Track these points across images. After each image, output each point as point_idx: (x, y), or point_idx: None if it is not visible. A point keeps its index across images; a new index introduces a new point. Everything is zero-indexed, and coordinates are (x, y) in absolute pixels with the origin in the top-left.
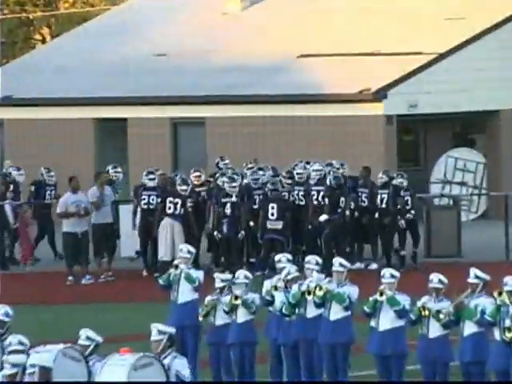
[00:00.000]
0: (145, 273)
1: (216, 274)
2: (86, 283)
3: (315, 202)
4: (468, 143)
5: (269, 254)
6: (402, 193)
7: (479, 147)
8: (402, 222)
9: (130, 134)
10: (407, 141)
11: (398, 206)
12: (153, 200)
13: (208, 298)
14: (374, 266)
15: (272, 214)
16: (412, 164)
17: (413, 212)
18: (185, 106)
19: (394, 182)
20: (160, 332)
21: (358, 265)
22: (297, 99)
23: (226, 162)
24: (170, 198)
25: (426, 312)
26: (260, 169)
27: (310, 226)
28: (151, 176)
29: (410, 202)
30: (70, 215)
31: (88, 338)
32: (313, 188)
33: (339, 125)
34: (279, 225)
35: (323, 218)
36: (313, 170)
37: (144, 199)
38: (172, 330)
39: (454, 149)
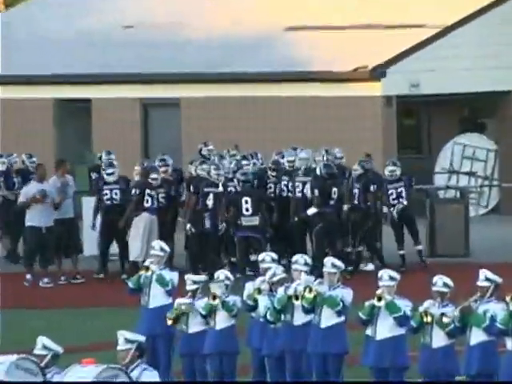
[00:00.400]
0: (101, 275)
1: (187, 276)
2: (44, 286)
3: (299, 195)
4: (477, 128)
5: (245, 255)
6: (375, 186)
7: (490, 132)
8: (394, 213)
9: (95, 116)
10: (408, 125)
11: (369, 203)
12: (116, 194)
13: (179, 301)
14: (370, 266)
15: (246, 210)
16: (414, 152)
17: (404, 203)
18: (157, 86)
19: (386, 171)
20: (127, 341)
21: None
22: (283, 78)
23: (210, 147)
24: (148, 191)
25: (429, 318)
26: (244, 157)
27: (295, 220)
28: (110, 170)
29: (403, 194)
30: (33, 202)
31: (45, 348)
32: (297, 179)
33: (331, 107)
34: (255, 221)
35: (311, 211)
36: (299, 159)
37: (106, 194)
38: (141, 338)
39: (461, 134)
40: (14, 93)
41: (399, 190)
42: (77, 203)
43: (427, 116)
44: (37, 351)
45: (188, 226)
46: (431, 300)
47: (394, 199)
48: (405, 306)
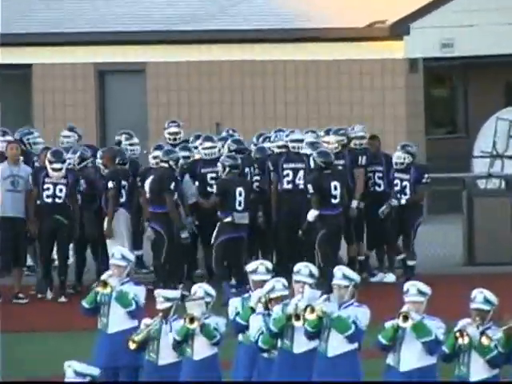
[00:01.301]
0: (49, 295)
1: (157, 291)
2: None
3: (289, 186)
4: None
5: (223, 261)
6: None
7: None
8: (383, 209)
9: (36, 86)
10: (439, 96)
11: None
12: (61, 191)
13: (145, 322)
14: (390, 277)
15: (239, 203)
16: (446, 130)
17: (402, 199)
18: (115, 48)
19: (395, 158)
20: (78, 374)
21: (379, 277)
22: (278, 37)
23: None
24: (123, 181)
25: (466, 340)
26: (222, 139)
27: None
28: (56, 164)
29: (408, 188)
30: None
31: (77, 373)
32: (285, 166)
33: (340, 74)
34: (246, 218)
35: (312, 215)
36: (290, 141)
37: (47, 189)
38: (95, 371)
39: (507, 107)
40: None
41: (404, 184)
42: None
43: (463, 85)
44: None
45: (189, 219)
46: (468, 319)
47: (396, 192)
48: (437, 327)
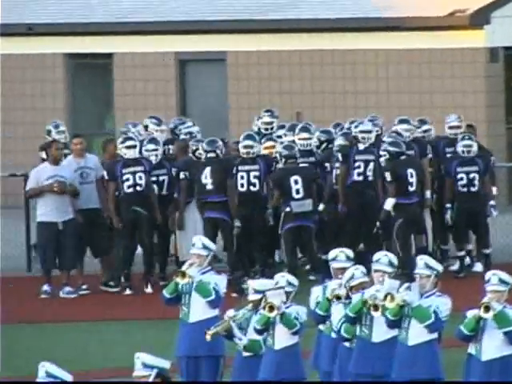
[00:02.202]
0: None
1: (249, 281)
2: (65, 297)
3: (359, 178)
4: None
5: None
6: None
7: None
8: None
9: (117, 75)
10: None
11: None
12: (140, 179)
13: (229, 313)
14: (478, 266)
15: (297, 192)
16: None
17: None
18: (195, 36)
19: (459, 146)
20: (146, 366)
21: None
22: (359, 26)
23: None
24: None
25: None
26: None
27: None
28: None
29: (476, 181)
30: (47, 190)
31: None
32: (356, 158)
33: (420, 63)
34: (307, 206)
35: (390, 203)
36: (299, 139)
37: (127, 180)
38: (165, 364)
39: None
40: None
41: (472, 175)
42: None
43: None
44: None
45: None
46: None
47: (463, 186)
48: None
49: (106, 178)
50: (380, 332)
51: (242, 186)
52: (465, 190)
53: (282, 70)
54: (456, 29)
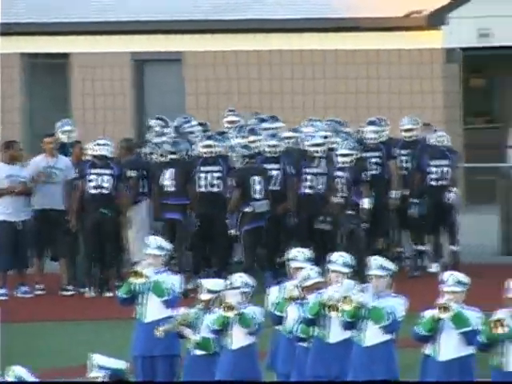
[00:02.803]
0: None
1: (202, 281)
2: (22, 296)
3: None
4: None
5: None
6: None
7: None
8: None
9: (75, 75)
10: (477, 86)
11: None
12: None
13: (180, 312)
14: (434, 267)
15: (257, 192)
16: (484, 120)
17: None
18: (153, 37)
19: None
20: (100, 367)
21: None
22: (313, 26)
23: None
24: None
25: (505, 329)
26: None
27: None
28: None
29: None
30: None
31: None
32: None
33: (376, 64)
34: (265, 206)
35: (367, 202)
36: (309, 145)
37: (92, 180)
38: (119, 365)
39: None
40: None
41: (444, 168)
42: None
43: (501, 74)
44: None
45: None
46: (505, 309)
47: (434, 180)
48: (476, 317)
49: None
50: (336, 333)
51: (203, 186)
52: (434, 183)
53: (239, 70)
54: (413, 29)
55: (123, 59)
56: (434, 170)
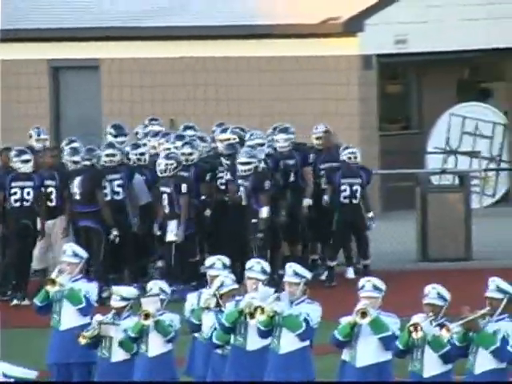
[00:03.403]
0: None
1: (114, 288)
2: None
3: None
4: (481, 95)
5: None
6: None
7: (497, 101)
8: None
9: None
10: (393, 92)
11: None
12: (28, 194)
13: (97, 318)
14: (349, 272)
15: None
16: (400, 126)
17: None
18: (70, 44)
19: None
20: (6, 376)
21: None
22: (231, 33)
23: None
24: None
25: (419, 334)
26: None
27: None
28: (24, 157)
29: (358, 193)
30: None
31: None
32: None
33: (293, 71)
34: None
35: (265, 211)
36: (182, 154)
37: (15, 193)
38: (28, 374)
39: (460, 103)
40: None
41: (355, 187)
42: None
43: (417, 80)
44: None
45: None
46: (422, 314)
47: (345, 197)
48: (393, 323)
49: None
50: (255, 340)
51: (108, 194)
52: (347, 201)
53: (155, 77)
54: (329, 36)
55: (40, 66)
56: (344, 188)
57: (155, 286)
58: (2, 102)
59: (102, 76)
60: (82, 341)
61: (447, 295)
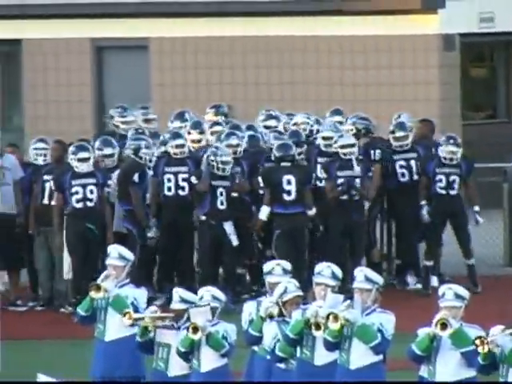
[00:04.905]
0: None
1: (176, 289)
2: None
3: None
4: None
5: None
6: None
7: None
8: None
9: (27, 64)
10: (478, 76)
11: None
12: (91, 193)
13: (151, 309)
14: (433, 281)
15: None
16: (485, 115)
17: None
18: (115, 21)
19: (442, 152)
20: None
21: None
22: (296, 10)
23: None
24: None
25: (485, 348)
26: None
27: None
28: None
29: (456, 184)
30: None
31: None
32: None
33: (366, 51)
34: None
35: (264, 212)
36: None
37: (76, 193)
38: None
39: None
40: None
41: (452, 177)
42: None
43: (505, 63)
44: None
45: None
46: (501, 326)
47: (441, 188)
48: (478, 336)
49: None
50: (323, 354)
51: (169, 189)
52: (443, 192)
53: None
54: (406, 13)
55: (82, 45)
56: (440, 177)
57: (207, 293)
58: (36, 86)
59: (152, 57)
60: (127, 321)
61: None
